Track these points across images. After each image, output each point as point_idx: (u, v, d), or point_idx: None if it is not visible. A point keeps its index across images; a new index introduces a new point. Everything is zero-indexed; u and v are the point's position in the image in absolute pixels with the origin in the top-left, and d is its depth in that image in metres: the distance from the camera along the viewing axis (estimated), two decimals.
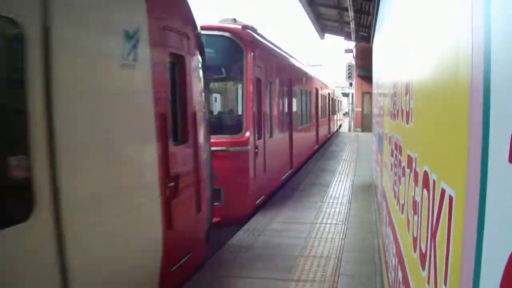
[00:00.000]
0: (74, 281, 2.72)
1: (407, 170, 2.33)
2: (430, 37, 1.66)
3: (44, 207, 2.50)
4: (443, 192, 1.28)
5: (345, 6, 16.68)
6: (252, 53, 7.47)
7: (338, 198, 8.81)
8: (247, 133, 7.21)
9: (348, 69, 25.86)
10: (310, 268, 5.10)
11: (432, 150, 1.57)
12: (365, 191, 9.40)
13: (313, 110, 15.51)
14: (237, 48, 7.32)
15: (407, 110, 2.47)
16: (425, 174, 1.64)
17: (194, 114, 4.80)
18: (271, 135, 8.83)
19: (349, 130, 30.62)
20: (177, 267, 4.33)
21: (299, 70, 12.88)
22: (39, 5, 2.48)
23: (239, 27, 7.72)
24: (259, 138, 7.85)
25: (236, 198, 7.04)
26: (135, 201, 3.57)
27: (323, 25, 24.02)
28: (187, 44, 4.70)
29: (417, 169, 1.90)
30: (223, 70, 7.32)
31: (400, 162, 2.86)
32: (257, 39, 8.31)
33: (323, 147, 18.90)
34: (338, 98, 33.42)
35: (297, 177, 11.38)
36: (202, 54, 5.13)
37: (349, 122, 32.54)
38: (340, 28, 23.74)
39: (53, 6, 2.56)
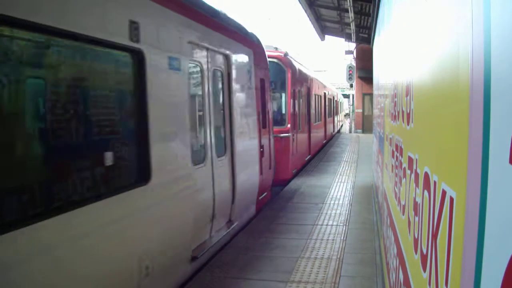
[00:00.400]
0: (236, 184, 6.23)
1: (408, 171, 2.33)
2: (431, 38, 1.66)
3: (228, 151, 6.08)
4: (444, 193, 1.28)
5: (345, 7, 16.69)
6: (290, 72, 11.43)
7: (339, 199, 8.80)
8: (289, 125, 11.15)
9: (349, 71, 25.85)
10: (311, 269, 5.10)
11: (432, 151, 1.57)
12: (366, 193, 9.39)
13: (322, 111, 19.35)
14: (282, 70, 11.27)
15: (408, 112, 2.48)
16: (426, 175, 1.64)
17: (268, 112, 8.52)
18: (299, 128, 12.58)
19: (350, 131, 30.60)
20: (261, 197, 7.99)
21: (314, 79, 16.59)
22: (227, 64, 6.09)
23: (282, 54, 11.41)
24: (293, 129, 11.53)
25: (281, 168, 10.27)
26: (253, 155, 7.41)
27: (323, 26, 24.02)
28: (265, 72, 8.49)
29: (418, 170, 1.90)
30: (273, 84, 10.70)
31: (401, 163, 2.86)
32: (292, 62, 12.02)
33: (329, 143, 21.20)
34: (340, 100, 35.17)
35: (298, 178, 11.39)
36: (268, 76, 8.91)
37: (349, 123, 32.52)
38: (340, 30, 23.75)
39: (229, 64, 6.15)
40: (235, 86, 6.35)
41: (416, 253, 1.85)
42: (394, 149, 3.54)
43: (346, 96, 45.90)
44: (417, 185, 1.91)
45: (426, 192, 1.62)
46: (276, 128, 10.24)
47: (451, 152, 1.23)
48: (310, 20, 20.99)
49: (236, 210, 6.30)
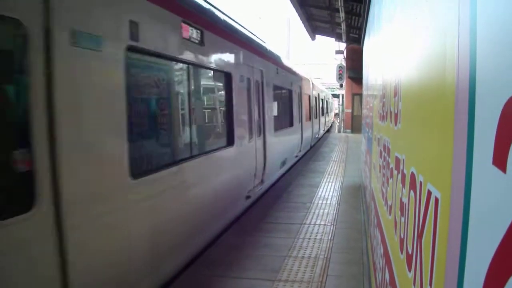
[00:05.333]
0: (303, 138, 15.08)
1: (395, 172, 2.34)
2: (418, 38, 1.67)
3: (300, 122, 14.61)
4: (429, 193, 1.28)
5: (336, 7, 16.74)
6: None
7: (327, 199, 8.84)
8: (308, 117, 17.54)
9: (339, 71, 25.94)
10: (298, 268, 5.11)
11: (419, 152, 1.58)
12: (354, 192, 9.44)
13: (324, 108, 26.46)
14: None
15: (396, 112, 2.49)
16: (412, 175, 1.65)
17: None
18: (316, 117, 20.45)
19: (339, 131, 30.69)
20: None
21: (322, 89, 24.09)
22: (299, 86, 14.44)
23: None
24: (310, 119, 17.82)
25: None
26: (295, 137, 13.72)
27: (314, 26, 24.07)
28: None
29: (405, 171, 1.91)
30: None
31: (388, 163, 2.87)
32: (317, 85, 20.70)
33: (318, 143, 21.69)
34: (330, 100, 36.98)
35: (286, 177, 11.41)
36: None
37: (339, 123, 32.65)
38: (331, 29, 23.82)
39: (299, 85, 14.41)
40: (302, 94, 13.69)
41: (401, 253, 1.86)
42: (382, 149, 3.56)
43: (335, 96, 46.15)
44: (403, 185, 1.92)
45: (412, 193, 1.63)
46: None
47: (436, 152, 1.24)
48: (301, 19, 21.01)
49: (302, 146, 14.58)
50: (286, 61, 12.59)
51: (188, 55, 5.09)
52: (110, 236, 3.42)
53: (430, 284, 1.20)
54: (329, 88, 43.52)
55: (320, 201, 8.61)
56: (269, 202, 8.51)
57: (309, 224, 6.99)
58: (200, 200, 5.30)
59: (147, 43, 4.08)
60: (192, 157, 5.18)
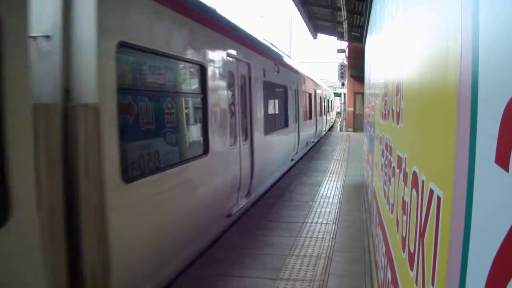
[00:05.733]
0: (317, 129, 20.55)
1: (397, 170, 2.34)
2: (421, 37, 1.66)
3: (315, 116, 20.15)
4: (431, 192, 1.28)
5: (338, 6, 16.72)
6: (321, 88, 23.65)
7: (329, 197, 8.83)
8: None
9: (341, 69, 25.90)
10: (300, 267, 5.11)
11: (421, 151, 1.57)
12: (356, 191, 9.43)
13: (329, 107, 29.96)
14: (317, 86, 21.26)
15: (398, 111, 2.48)
16: (414, 174, 1.65)
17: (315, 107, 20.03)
18: (324, 114, 23.36)
19: (341, 130, 30.68)
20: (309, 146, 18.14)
21: (328, 90, 27.34)
22: (313, 87, 19.58)
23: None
24: (321, 115, 21.74)
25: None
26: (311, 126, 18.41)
27: (316, 24, 24.04)
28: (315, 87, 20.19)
29: (407, 169, 1.91)
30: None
31: (390, 162, 2.87)
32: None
33: (320, 142, 22.03)
34: (333, 100, 39.28)
35: (288, 176, 11.42)
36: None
37: (340, 122, 32.70)
38: (333, 28, 23.79)
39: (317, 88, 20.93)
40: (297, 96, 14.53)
41: (403, 251, 1.86)
42: (384, 148, 3.55)
43: (337, 94, 46.10)
44: (405, 184, 1.92)
45: (414, 191, 1.63)
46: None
47: (438, 151, 1.24)
48: (303, 18, 20.99)
49: (316, 134, 19.26)
50: (308, 73, 18.52)
51: (275, 79, 10.41)
52: (264, 154, 8.63)
53: (432, 283, 1.20)
54: (331, 86, 43.51)
55: (322, 200, 8.60)
56: (271, 201, 8.51)
57: (311, 222, 6.99)
58: (281, 153, 11.09)
59: (268, 77, 9.31)
60: (277, 129, 10.58)
